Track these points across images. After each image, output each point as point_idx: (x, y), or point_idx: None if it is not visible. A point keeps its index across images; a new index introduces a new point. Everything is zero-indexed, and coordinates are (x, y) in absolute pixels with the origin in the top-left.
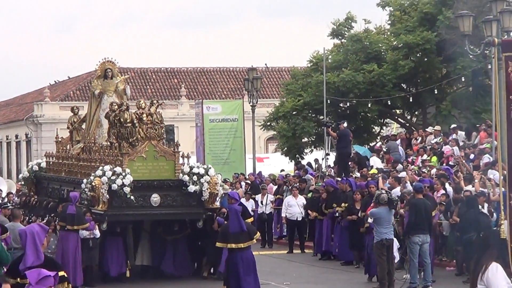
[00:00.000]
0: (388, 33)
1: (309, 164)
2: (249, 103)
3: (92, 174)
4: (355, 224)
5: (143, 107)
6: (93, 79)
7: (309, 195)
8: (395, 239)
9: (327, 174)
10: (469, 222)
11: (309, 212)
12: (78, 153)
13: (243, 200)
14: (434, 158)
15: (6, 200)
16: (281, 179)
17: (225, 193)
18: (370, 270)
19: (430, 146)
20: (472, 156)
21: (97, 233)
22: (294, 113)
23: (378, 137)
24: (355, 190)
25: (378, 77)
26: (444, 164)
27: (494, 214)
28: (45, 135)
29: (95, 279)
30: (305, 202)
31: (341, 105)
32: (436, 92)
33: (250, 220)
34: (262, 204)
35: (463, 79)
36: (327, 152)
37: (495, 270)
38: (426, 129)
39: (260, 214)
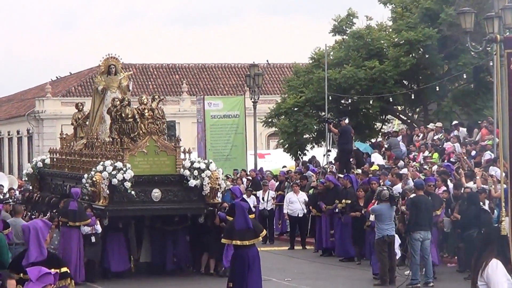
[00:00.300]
0: (390, 29)
1: (310, 160)
2: (251, 99)
3: (93, 169)
4: (358, 221)
5: (145, 102)
6: (96, 75)
7: (311, 191)
8: (396, 236)
9: (328, 170)
10: (470, 219)
11: (311, 208)
12: (81, 149)
13: (244, 197)
14: (436, 155)
15: (7, 195)
16: (282, 175)
17: (227, 188)
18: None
19: (431, 143)
20: (473, 152)
21: (99, 228)
22: (295, 109)
23: (380, 134)
24: (358, 187)
25: (379, 73)
26: (446, 161)
27: (496, 210)
28: (47, 131)
29: (96, 275)
30: (306, 199)
31: (343, 101)
32: (437, 89)
33: (251, 216)
34: (263, 200)
35: (464, 76)
36: (328, 148)
37: (495, 267)
38: (428, 126)
39: (261, 211)
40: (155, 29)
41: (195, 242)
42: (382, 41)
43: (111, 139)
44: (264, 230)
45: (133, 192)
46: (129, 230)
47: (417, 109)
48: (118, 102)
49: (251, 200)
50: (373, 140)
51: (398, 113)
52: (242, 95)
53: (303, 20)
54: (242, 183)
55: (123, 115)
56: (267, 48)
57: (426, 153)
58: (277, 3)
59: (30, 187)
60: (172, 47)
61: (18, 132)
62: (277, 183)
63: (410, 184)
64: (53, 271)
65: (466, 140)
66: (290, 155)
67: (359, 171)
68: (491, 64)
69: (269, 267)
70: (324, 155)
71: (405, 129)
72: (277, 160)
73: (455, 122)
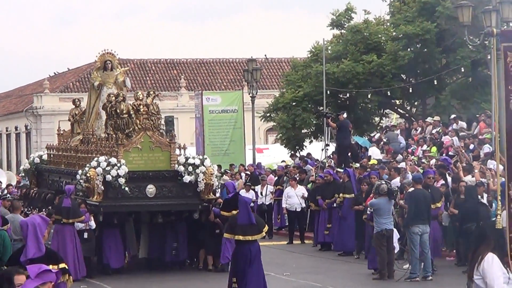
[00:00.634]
0: (388, 23)
1: (306, 156)
2: (249, 94)
3: (87, 165)
4: (360, 215)
5: (140, 98)
6: (92, 71)
7: (309, 185)
8: (395, 230)
9: (326, 164)
10: (468, 212)
11: (310, 203)
12: (77, 145)
13: (243, 192)
14: (434, 149)
15: (6, 192)
16: (281, 170)
17: (223, 184)
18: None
19: (429, 137)
20: (471, 146)
21: (93, 224)
22: (293, 104)
23: (378, 128)
24: (362, 181)
25: (377, 67)
26: (444, 155)
27: (494, 204)
28: (45, 127)
29: (94, 271)
30: (305, 193)
31: (341, 95)
32: (435, 83)
33: None
34: (261, 195)
35: (462, 70)
36: (326, 143)
37: (491, 261)
38: (426, 120)
39: (260, 205)
40: (153, 25)
41: (192, 238)
42: (380, 35)
43: (106, 135)
44: (267, 225)
45: (127, 188)
46: (126, 226)
47: (415, 103)
48: (113, 98)
49: (250, 195)
50: (371, 134)
51: (396, 107)
52: (240, 90)
53: (301, 15)
54: (241, 178)
55: (118, 110)
56: (265, 43)
57: (425, 147)
58: None
59: (28, 183)
60: (170, 42)
61: (16, 128)
62: (276, 177)
63: (409, 178)
64: (51, 267)
65: (464, 134)
66: (288, 149)
67: (358, 165)
68: (489, 57)
69: (268, 262)
70: (322, 150)
71: (403, 123)
72: (276, 154)
73: (453, 116)
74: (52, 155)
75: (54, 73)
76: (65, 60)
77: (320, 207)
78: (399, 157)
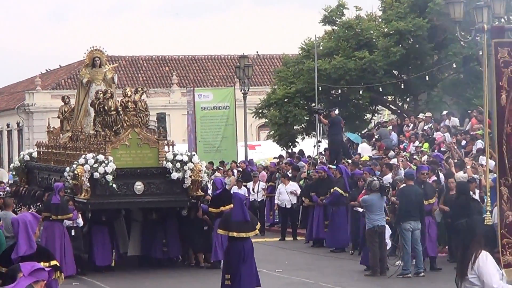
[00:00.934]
0: (380, 19)
1: (301, 152)
2: (241, 90)
3: (75, 162)
4: (356, 211)
5: (129, 95)
6: (81, 68)
7: (301, 182)
8: (387, 226)
9: (318, 161)
10: (460, 208)
11: (303, 199)
12: (66, 142)
13: (235, 188)
14: (426, 145)
15: None
16: (273, 166)
17: (209, 181)
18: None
19: (421, 133)
20: (463, 142)
21: (80, 221)
22: (285, 100)
23: (372, 124)
24: (359, 177)
25: (369, 64)
26: (436, 151)
27: (485, 200)
28: (37, 124)
29: (85, 268)
30: (296, 189)
31: (333, 92)
32: (427, 79)
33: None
34: (253, 191)
35: (454, 66)
36: (319, 139)
37: (485, 259)
38: (418, 116)
39: (252, 202)
40: (144, 21)
41: (183, 235)
42: (372, 31)
43: (95, 132)
44: (259, 223)
45: (114, 185)
46: (116, 224)
47: (407, 99)
48: (101, 95)
49: (242, 192)
50: (363, 131)
51: (388, 103)
52: (232, 86)
53: (292, 11)
54: (233, 175)
55: (106, 107)
56: (257, 39)
57: (417, 143)
58: None
59: (17, 179)
60: (161, 39)
61: (8, 125)
62: (268, 174)
63: (401, 175)
64: (43, 264)
65: (456, 130)
66: (280, 146)
67: (350, 161)
68: (481, 53)
69: (260, 258)
70: (314, 146)
71: (395, 119)
72: (268, 151)
73: (445, 112)
74: (41, 153)
75: (46, 70)
76: (56, 57)
77: (315, 203)
78: (391, 153)
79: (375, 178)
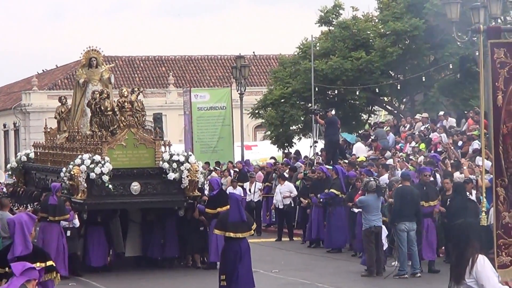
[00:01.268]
0: (376, 20)
1: (297, 152)
2: (237, 91)
3: (71, 163)
4: (353, 212)
5: (125, 95)
6: (77, 68)
7: (298, 182)
8: (383, 227)
9: (315, 161)
10: (457, 209)
11: (301, 199)
12: (62, 143)
13: (230, 188)
14: (422, 145)
15: None
16: (269, 167)
17: (206, 181)
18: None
19: (418, 133)
20: (460, 143)
21: (76, 222)
22: (282, 101)
23: (367, 125)
24: (357, 178)
25: (366, 64)
26: (432, 151)
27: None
28: (33, 124)
29: (80, 268)
30: (291, 190)
31: (329, 92)
32: (424, 79)
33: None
34: (250, 192)
35: (451, 66)
36: (315, 139)
37: (483, 263)
38: (415, 116)
39: (248, 202)
40: (141, 21)
41: (180, 235)
42: (369, 32)
43: (91, 132)
44: (255, 223)
45: (110, 186)
46: (110, 224)
47: (404, 100)
48: (98, 95)
49: (238, 192)
50: (360, 131)
51: (384, 104)
52: (228, 86)
53: (289, 11)
54: (230, 175)
55: (102, 108)
56: (253, 40)
57: (413, 144)
58: None
59: (15, 180)
60: (158, 39)
61: (4, 125)
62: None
63: (398, 175)
64: (38, 265)
65: (452, 130)
66: (277, 146)
67: (346, 162)
68: (477, 54)
69: (257, 259)
70: (311, 146)
71: (391, 119)
72: (264, 151)
73: (441, 112)
74: (38, 153)
75: (43, 70)
76: (53, 57)
77: (314, 204)
78: (388, 153)
79: (372, 179)
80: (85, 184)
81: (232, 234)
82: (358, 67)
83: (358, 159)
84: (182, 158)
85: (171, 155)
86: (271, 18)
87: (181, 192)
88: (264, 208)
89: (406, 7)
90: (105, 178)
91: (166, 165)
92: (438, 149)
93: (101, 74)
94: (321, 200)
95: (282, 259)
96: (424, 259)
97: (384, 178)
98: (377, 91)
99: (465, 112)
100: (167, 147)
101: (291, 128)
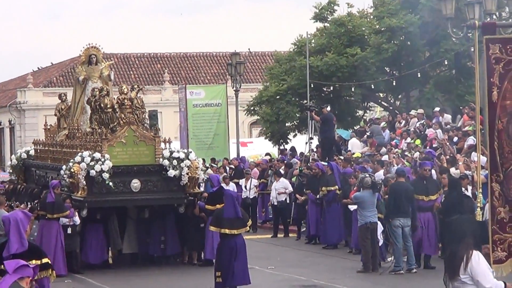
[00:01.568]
0: (371, 16)
1: (292, 148)
2: (233, 88)
3: (71, 160)
4: (347, 208)
5: (125, 92)
6: (77, 65)
7: (293, 179)
8: (379, 223)
9: (310, 158)
10: (452, 204)
11: (297, 196)
12: (62, 140)
13: (223, 185)
14: (418, 141)
15: None
16: (265, 164)
17: (205, 178)
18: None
19: (413, 130)
20: (455, 139)
21: (77, 220)
22: (277, 97)
23: (366, 121)
24: (351, 174)
25: (361, 60)
26: (428, 147)
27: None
28: (29, 122)
29: (78, 266)
30: (285, 187)
31: (325, 89)
32: (419, 75)
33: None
34: (245, 188)
35: (446, 62)
36: (310, 136)
37: (477, 259)
38: (410, 113)
39: (244, 199)
40: (136, 19)
41: (180, 230)
42: (364, 28)
43: (91, 130)
44: (250, 219)
45: (111, 183)
46: (109, 222)
47: (399, 96)
48: (97, 92)
49: (231, 188)
50: (355, 127)
51: (380, 100)
52: (224, 83)
53: (284, 8)
54: (225, 172)
55: (102, 105)
56: (248, 37)
57: (408, 140)
58: None
59: (10, 178)
60: (153, 36)
61: (0, 123)
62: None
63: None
64: (33, 262)
65: (448, 126)
66: (272, 143)
67: (342, 158)
68: (472, 50)
69: (253, 255)
70: (306, 143)
71: (387, 116)
72: (260, 148)
73: (437, 108)
74: (38, 150)
75: (38, 67)
76: (48, 55)
77: (311, 201)
78: (383, 150)
79: (367, 175)
80: (85, 182)
81: (227, 231)
82: (353, 63)
83: (354, 155)
84: (182, 155)
85: (171, 152)
86: (266, 15)
87: (181, 189)
88: (259, 204)
89: (401, 4)
90: (106, 175)
91: (166, 162)
92: (434, 145)
93: (100, 71)
94: (317, 197)
95: (278, 255)
96: (426, 253)
97: (380, 174)
98: (373, 87)
99: (461, 108)
100: (167, 144)
101: (286, 124)
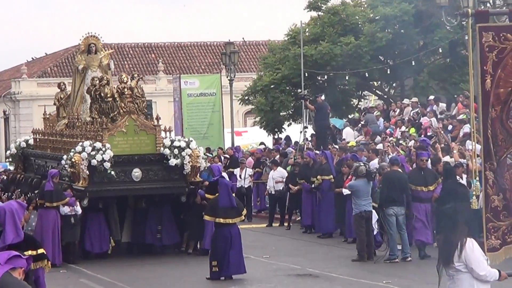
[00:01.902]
0: (365, 5)
1: (287, 137)
2: (227, 77)
3: (72, 150)
4: (341, 197)
5: (125, 81)
6: (76, 54)
7: (288, 168)
8: (373, 211)
9: (305, 147)
10: (447, 193)
11: (290, 186)
12: (62, 129)
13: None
14: (412, 130)
15: None
16: (260, 153)
17: (206, 167)
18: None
19: (408, 118)
20: (450, 127)
21: (79, 209)
22: (272, 86)
23: (360, 110)
24: (343, 163)
25: (355, 49)
26: (422, 136)
27: (472, 184)
28: (23, 112)
29: (76, 256)
30: (281, 176)
31: (319, 78)
32: (413, 64)
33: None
34: (240, 178)
35: (440, 51)
36: (305, 125)
37: (471, 247)
38: (403, 101)
39: (239, 188)
40: (130, 8)
41: (179, 220)
42: (358, 17)
43: (91, 119)
44: (245, 209)
45: (112, 173)
46: (109, 211)
47: (394, 85)
48: (97, 81)
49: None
50: (350, 116)
51: (374, 89)
52: (218, 73)
53: None
54: (220, 161)
55: (102, 94)
56: (243, 26)
57: (403, 128)
58: None
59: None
60: (147, 26)
61: None
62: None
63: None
64: (29, 253)
65: (442, 115)
66: (267, 132)
67: (337, 147)
68: (466, 38)
69: (248, 245)
70: (300, 132)
71: (381, 104)
72: (254, 137)
73: (431, 96)
74: (38, 140)
75: (32, 58)
76: (42, 45)
77: (305, 190)
78: (378, 138)
79: (362, 164)
80: (87, 171)
81: (222, 220)
82: (347, 52)
83: (349, 144)
84: (183, 144)
85: (172, 141)
86: (260, 4)
87: (183, 178)
88: (254, 194)
89: None
90: (107, 165)
91: (167, 151)
92: (428, 134)
93: (100, 60)
94: (313, 186)
95: (273, 244)
96: (425, 242)
97: (374, 163)
98: (367, 76)
99: (455, 96)
100: (168, 133)
101: (281, 114)
